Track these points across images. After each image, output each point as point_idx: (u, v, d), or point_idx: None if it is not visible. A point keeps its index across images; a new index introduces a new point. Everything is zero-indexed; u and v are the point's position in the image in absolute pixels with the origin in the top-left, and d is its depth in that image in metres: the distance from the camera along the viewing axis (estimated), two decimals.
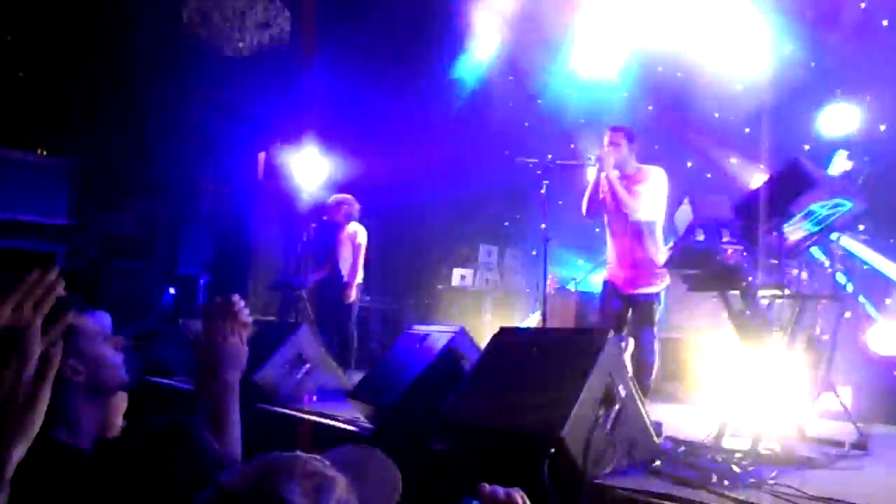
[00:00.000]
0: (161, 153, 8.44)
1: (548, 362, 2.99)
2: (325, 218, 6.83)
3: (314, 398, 4.94)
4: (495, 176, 8.78)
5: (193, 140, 8.60)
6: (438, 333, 3.87)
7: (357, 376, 4.99)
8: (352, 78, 8.41)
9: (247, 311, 1.77)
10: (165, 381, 5.46)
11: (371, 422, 3.86)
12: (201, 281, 8.56)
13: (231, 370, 1.70)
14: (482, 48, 9.46)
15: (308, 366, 4.89)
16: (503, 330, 3.42)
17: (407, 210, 8.93)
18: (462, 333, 3.77)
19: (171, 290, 8.51)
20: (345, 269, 6.65)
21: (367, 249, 6.75)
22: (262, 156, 9.00)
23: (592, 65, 8.40)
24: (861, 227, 6.02)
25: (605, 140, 4.58)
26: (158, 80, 8.05)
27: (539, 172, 4.81)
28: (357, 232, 6.70)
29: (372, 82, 8.49)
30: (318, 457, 1.07)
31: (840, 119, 6.35)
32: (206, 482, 1.00)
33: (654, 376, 4.57)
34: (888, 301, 5.71)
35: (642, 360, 4.23)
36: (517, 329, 3.83)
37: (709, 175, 7.60)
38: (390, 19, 8.56)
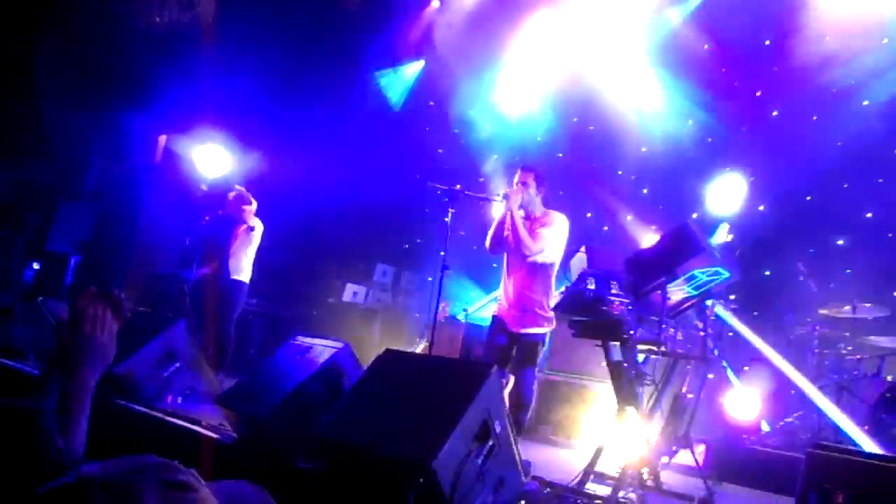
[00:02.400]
0: (49, 118, 7.79)
1: (428, 390, 2.95)
2: (220, 212, 6.52)
3: (180, 399, 4.65)
4: (402, 197, 8.78)
5: (88, 110, 8.01)
6: (322, 347, 3.76)
7: (231, 382, 4.74)
8: (270, 76, 8.18)
9: (126, 305, 1.64)
10: (14, 363, 4.95)
11: (237, 431, 3.66)
12: (72, 260, 7.91)
13: (92, 369, 1.57)
14: (407, 68, 9.53)
15: (178, 364, 4.60)
16: (388, 352, 3.37)
17: (307, 216, 8.72)
18: (346, 350, 3.68)
19: (35, 266, 7.80)
20: (235, 267, 6.36)
21: (260, 250, 6.49)
22: (162, 139, 8.53)
23: (513, 102, 8.65)
24: (732, 297, 6.50)
25: (515, 178, 4.67)
26: (55, 39, 7.45)
27: (446, 200, 4.83)
28: (254, 227, 6.44)
29: (290, 83, 8.30)
30: (195, 473, 0.99)
31: (727, 194, 6.84)
32: (45, 477, 0.95)
33: (529, 415, 4.65)
34: (746, 368, 6.14)
35: (520, 399, 4.29)
36: (403, 353, 3.78)
37: (606, 228, 7.97)
38: (316, 20, 8.42)
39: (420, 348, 7.41)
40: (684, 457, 4.69)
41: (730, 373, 5.95)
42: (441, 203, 5.01)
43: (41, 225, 8.12)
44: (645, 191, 7.87)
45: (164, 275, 7.01)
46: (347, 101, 9.09)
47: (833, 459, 2.31)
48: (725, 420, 5.42)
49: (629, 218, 7.75)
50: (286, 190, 8.05)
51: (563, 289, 3.92)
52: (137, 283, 7.58)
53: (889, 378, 5.31)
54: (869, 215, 6.56)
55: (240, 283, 6.32)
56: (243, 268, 6.35)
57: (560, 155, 8.39)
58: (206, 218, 6.61)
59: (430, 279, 8.14)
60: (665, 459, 4.63)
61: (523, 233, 4.37)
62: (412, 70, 9.55)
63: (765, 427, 5.54)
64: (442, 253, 4.87)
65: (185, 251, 6.78)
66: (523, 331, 4.35)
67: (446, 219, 4.92)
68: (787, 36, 6.71)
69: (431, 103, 9.30)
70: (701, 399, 5.46)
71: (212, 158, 7.93)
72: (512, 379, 4.46)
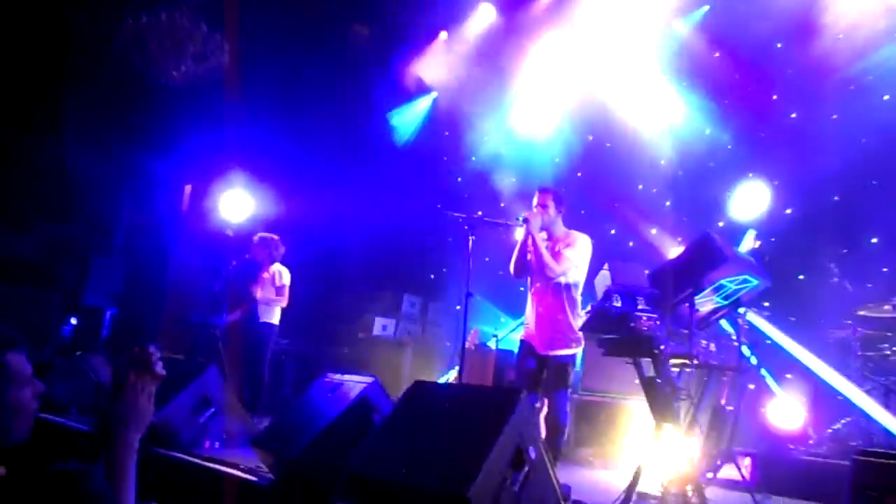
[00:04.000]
0: (78, 177, 8.04)
1: (460, 419, 2.94)
2: (247, 256, 6.63)
3: (217, 444, 4.68)
4: (425, 228, 8.83)
5: (115, 166, 8.26)
6: (352, 383, 3.76)
7: (266, 424, 4.77)
8: (287, 118, 8.37)
9: (160, 364, 1.72)
10: (58, 419, 5.05)
11: (274, 472, 3.67)
12: (107, 313, 8.09)
13: (135, 431, 1.67)
14: (421, 100, 9.66)
15: (213, 409, 4.65)
16: (418, 384, 3.36)
17: (332, 254, 8.82)
18: (376, 384, 3.68)
19: (73, 321, 7.99)
20: (262, 310, 6.45)
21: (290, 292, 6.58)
22: (188, 188, 8.73)
23: (528, 124, 8.69)
24: (766, 304, 6.37)
25: (534, 201, 4.67)
26: (83, 100, 7.73)
27: (466, 227, 4.85)
28: (281, 273, 6.53)
29: (306, 124, 8.47)
30: None
31: (750, 200, 6.75)
32: None
33: (566, 438, 4.58)
34: (788, 376, 5.98)
35: (555, 423, 4.23)
36: (432, 384, 3.76)
37: (631, 243, 7.90)
38: (328, 61, 8.62)
39: (452, 377, 7.38)
40: (730, 471, 4.58)
41: (770, 381, 5.81)
42: (463, 231, 5.04)
43: (76, 280, 8.33)
44: (668, 203, 7.80)
45: (196, 322, 7.11)
46: (365, 137, 9.23)
47: (881, 465, 2.23)
48: (770, 431, 5.27)
49: (654, 232, 7.68)
50: (311, 229, 8.16)
51: (588, 308, 3.88)
52: (170, 330, 7.71)
53: None
54: None
55: (269, 325, 6.40)
56: (272, 310, 6.43)
57: (579, 174, 8.38)
58: (233, 263, 6.73)
59: (457, 308, 8.13)
60: (710, 475, 4.52)
61: (546, 255, 4.35)
62: (424, 103, 9.68)
63: (812, 435, 5.37)
64: (466, 280, 4.87)
65: (214, 297, 6.90)
66: (552, 353, 4.30)
67: (469, 246, 4.94)
68: (799, 37, 6.66)
69: (447, 133, 9.39)
70: (742, 410, 5.34)
71: (236, 203, 8.10)
72: (546, 402, 4.42)
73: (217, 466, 3.83)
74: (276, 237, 6.67)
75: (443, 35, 9.29)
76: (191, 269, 8.14)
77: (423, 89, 9.54)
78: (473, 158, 9.06)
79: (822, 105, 6.76)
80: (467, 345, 6.98)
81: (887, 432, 4.91)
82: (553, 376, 4.27)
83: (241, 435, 4.87)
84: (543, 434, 4.37)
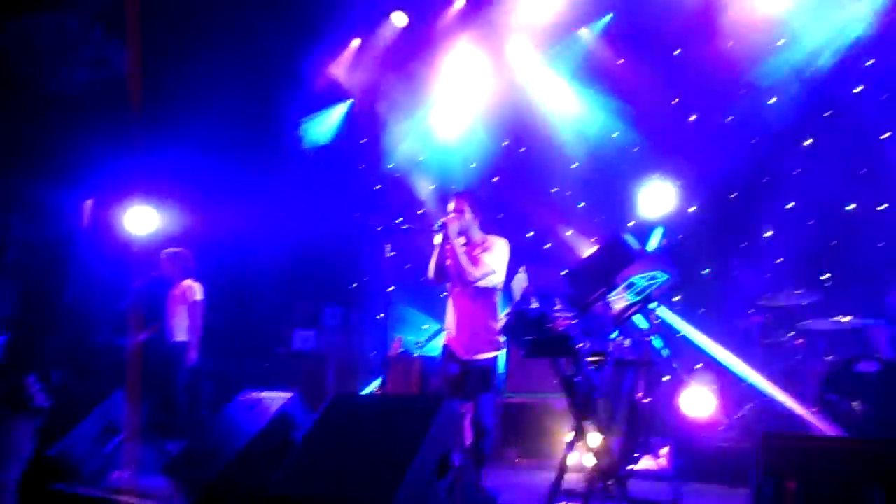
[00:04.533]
0: None
1: (381, 431, 2.89)
2: (154, 273, 6.32)
3: (126, 474, 4.42)
4: (345, 237, 8.71)
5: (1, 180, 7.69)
6: (271, 400, 3.64)
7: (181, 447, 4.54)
8: (193, 128, 8.04)
9: (42, 396, 1.58)
10: None
11: (189, 499, 3.49)
12: None
13: (3, 471, 1.52)
14: (337, 107, 9.53)
15: (121, 437, 4.38)
16: (337, 396, 3.29)
17: (246, 267, 8.55)
18: (296, 399, 3.58)
19: None
20: (176, 328, 6.16)
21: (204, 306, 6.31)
22: (87, 203, 8.23)
23: (444, 130, 8.74)
24: (676, 299, 6.67)
25: (451, 206, 4.68)
26: None
27: (385, 235, 4.80)
28: (193, 288, 6.26)
29: (215, 132, 8.17)
30: None
31: (657, 199, 7.05)
32: None
33: (493, 441, 4.60)
34: (698, 366, 6.27)
35: (481, 427, 4.24)
36: (352, 395, 3.69)
37: (548, 245, 8.08)
38: (237, 68, 8.36)
39: (376, 388, 7.30)
40: (649, 462, 4.73)
41: (682, 373, 6.05)
42: (382, 239, 4.99)
43: None
44: (581, 205, 8.02)
45: (100, 343, 6.72)
46: (277, 146, 9.00)
47: (783, 447, 2.36)
48: (684, 420, 5.49)
49: (569, 233, 7.88)
50: (222, 242, 7.87)
51: (507, 311, 3.92)
52: (71, 354, 7.23)
53: (829, 359, 5.48)
54: (790, 206, 6.86)
55: (181, 344, 6.12)
56: (183, 328, 6.16)
57: (495, 179, 8.49)
58: (140, 280, 6.40)
59: (380, 316, 8.04)
60: (631, 467, 4.66)
61: (464, 259, 4.37)
62: (340, 109, 9.56)
63: (723, 421, 5.63)
64: (390, 288, 4.83)
65: (119, 317, 6.53)
66: (474, 357, 4.31)
67: (387, 254, 4.89)
68: (696, 44, 7.02)
69: (363, 140, 9.31)
70: (658, 402, 5.54)
71: (141, 218, 7.71)
72: (471, 407, 4.42)
73: (125, 499, 3.60)
74: (185, 251, 6.39)
75: (355, 42, 9.21)
76: (93, 288, 7.68)
77: (339, 96, 9.42)
78: (391, 165, 9.02)
79: (717, 108, 7.16)
80: (391, 353, 6.94)
81: (789, 414, 5.22)
82: (476, 381, 4.28)
83: (154, 462, 4.62)
84: (469, 439, 4.39)
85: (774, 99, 6.83)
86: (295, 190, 8.60)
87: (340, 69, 9.23)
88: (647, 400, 5.17)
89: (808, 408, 5.11)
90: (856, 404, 4.76)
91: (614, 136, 7.81)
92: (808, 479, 2.34)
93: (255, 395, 3.84)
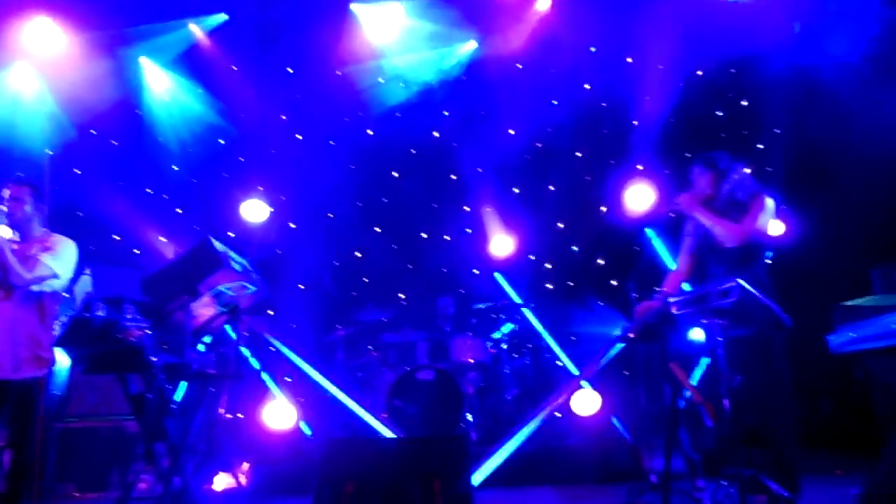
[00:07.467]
0: None
1: None
2: None
3: None
4: None
5: None
6: None
7: None
8: None
9: None
10: None
11: None
12: None
13: None
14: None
15: None
16: None
17: None
18: None
19: None
20: None
21: None
22: None
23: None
24: (270, 313, 6.71)
25: (6, 194, 3.84)
26: None
27: None
28: None
29: None
30: None
31: (255, 212, 7.02)
32: None
33: (42, 476, 3.86)
34: (288, 379, 6.37)
35: (18, 464, 3.49)
36: None
37: (136, 251, 7.29)
38: None
39: None
40: (228, 480, 4.56)
41: (271, 385, 6.06)
42: None
43: None
44: (179, 210, 7.50)
45: None
46: None
47: (341, 453, 2.47)
48: (266, 433, 5.46)
49: (163, 239, 7.27)
50: None
51: (63, 319, 3.34)
52: None
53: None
54: (378, 230, 7.61)
55: None
56: None
57: (78, 171, 7.34)
58: None
59: None
60: (209, 485, 4.42)
61: (11, 259, 3.58)
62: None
63: (307, 431, 5.77)
64: None
65: None
66: (14, 377, 3.54)
67: None
68: (311, 64, 7.23)
69: None
70: (244, 417, 5.44)
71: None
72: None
73: None
74: None
75: None
76: None
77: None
78: None
79: (323, 131, 7.53)
80: None
81: (361, 421, 5.65)
82: (14, 406, 3.51)
83: None
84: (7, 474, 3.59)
85: (371, 132, 7.52)
86: None
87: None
88: (230, 416, 5.04)
89: (378, 414, 5.60)
90: (414, 409, 5.38)
91: (221, 142, 7.56)
92: (364, 480, 2.50)
93: None
